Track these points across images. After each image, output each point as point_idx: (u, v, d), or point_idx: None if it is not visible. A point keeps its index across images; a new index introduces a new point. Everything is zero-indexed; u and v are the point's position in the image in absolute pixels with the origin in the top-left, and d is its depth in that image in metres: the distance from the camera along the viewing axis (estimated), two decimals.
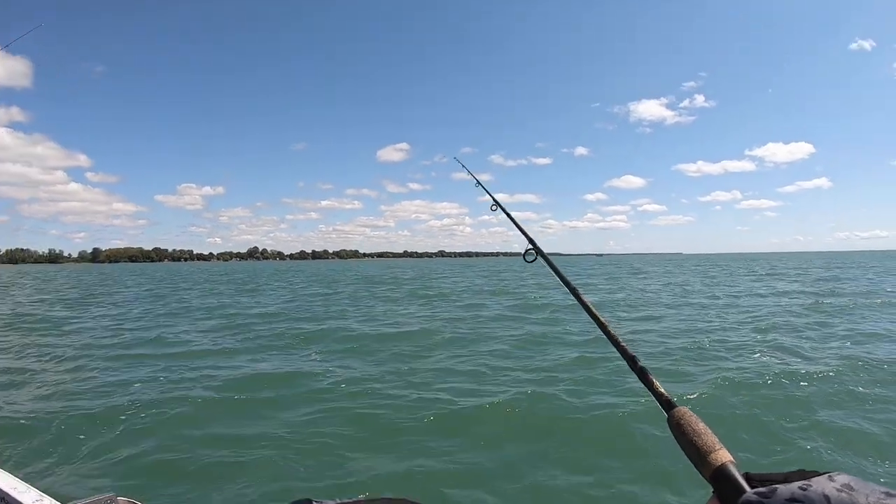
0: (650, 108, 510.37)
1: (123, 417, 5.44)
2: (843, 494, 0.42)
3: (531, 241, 1.53)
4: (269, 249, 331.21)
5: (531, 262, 1.47)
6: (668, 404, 0.70)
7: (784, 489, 0.45)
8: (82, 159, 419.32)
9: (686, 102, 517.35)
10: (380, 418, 5.28)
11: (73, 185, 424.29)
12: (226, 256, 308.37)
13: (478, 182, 2.47)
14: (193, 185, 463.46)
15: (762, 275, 33.76)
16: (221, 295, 23.48)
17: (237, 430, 5.04)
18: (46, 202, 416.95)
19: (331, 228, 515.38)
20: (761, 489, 0.47)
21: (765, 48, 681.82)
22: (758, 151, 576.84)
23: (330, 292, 24.27)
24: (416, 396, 6.01)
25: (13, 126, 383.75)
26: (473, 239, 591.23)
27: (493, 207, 2.04)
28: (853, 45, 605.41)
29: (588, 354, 7.95)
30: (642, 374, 0.77)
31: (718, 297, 17.96)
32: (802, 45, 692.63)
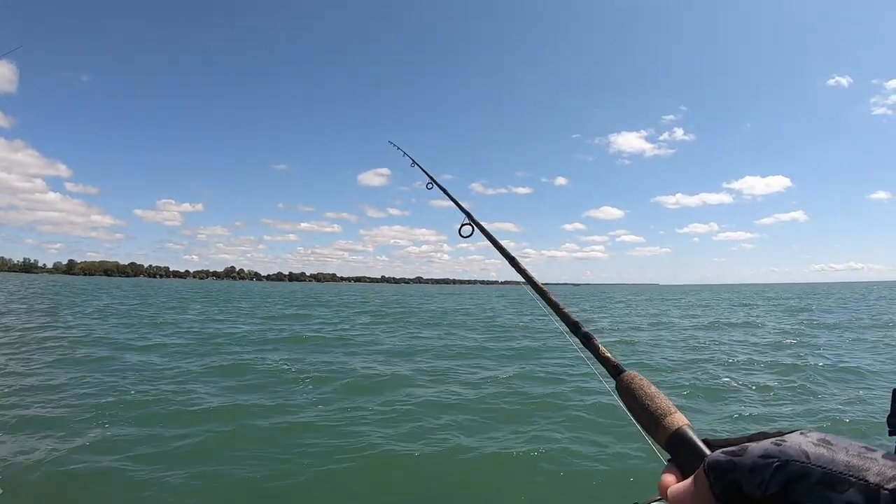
0: (630, 141, 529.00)
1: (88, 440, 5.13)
2: (822, 449, 0.40)
3: (467, 213, 1.50)
4: (245, 269, 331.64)
5: (467, 236, 1.45)
6: (615, 369, 0.66)
7: (756, 446, 0.42)
8: (62, 169, 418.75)
9: (665, 135, 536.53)
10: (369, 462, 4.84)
11: (52, 195, 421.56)
12: (202, 275, 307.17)
13: (413, 161, 2.46)
14: (172, 202, 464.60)
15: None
16: (201, 314, 22.46)
17: (209, 467, 4.66)
18: (24, 210, 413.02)
19: (309, 251, 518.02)
20: (730, 448, 0.44)
21: (744, 83, 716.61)
22: (735, 184, 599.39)
23: (307, 314, 23.53)
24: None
25: None
26: (451, 266, 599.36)
27: (429, 185, 2.06)
28: (830, 81, 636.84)
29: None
30: (586, 340, 0.74)
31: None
32: (781, 81, 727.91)
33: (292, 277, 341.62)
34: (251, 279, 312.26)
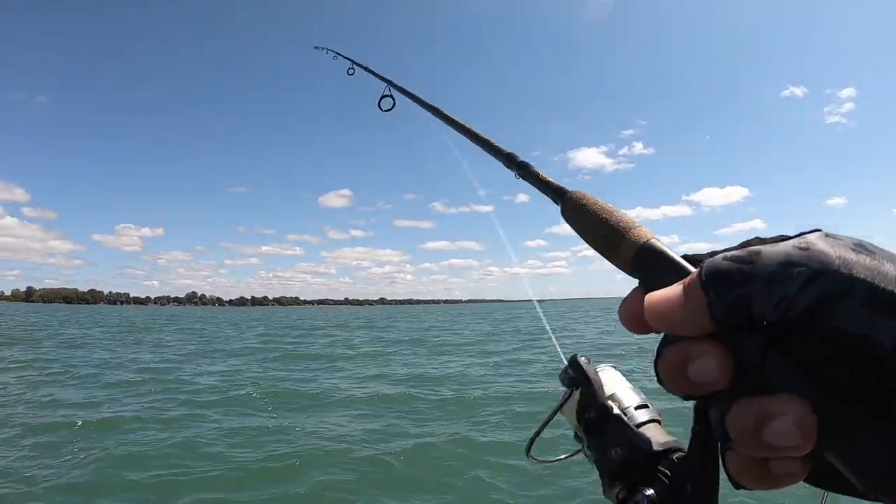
0: (590, 156, 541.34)
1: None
2: (864, 257, 0.26)
3: (388, 82, 1.32)
4: (207, 295, 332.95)
5: (388, 109, 1.30)
6: (559, 191, 0.55)
7: (771, 251, 0.28)
8: (19, 193, 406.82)
9: (625, 150, 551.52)
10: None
11: (9, 220, 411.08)
12: (163, 301, 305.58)
13: (336, 53, 2.20)
14: (132, 226, 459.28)
15: None
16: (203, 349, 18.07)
17: None
18: None
19: (271, 274, 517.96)
20: (736, 252, 0.29)
21: (701, 96, 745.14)
22: (694, 196, 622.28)
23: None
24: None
25: None
26: (414, 286, 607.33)
27: (351, 70, 1.91)
28: (785, 92, 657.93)
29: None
30: (523, 168, 0.65)
31: None
32: (737, 93, 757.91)
33: (255, 302, 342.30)
34: (213, 304, 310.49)
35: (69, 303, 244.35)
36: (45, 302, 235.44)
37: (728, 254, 0.30)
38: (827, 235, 0.28)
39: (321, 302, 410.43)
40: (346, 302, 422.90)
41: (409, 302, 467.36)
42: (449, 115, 0.97)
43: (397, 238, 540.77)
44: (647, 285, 0.37)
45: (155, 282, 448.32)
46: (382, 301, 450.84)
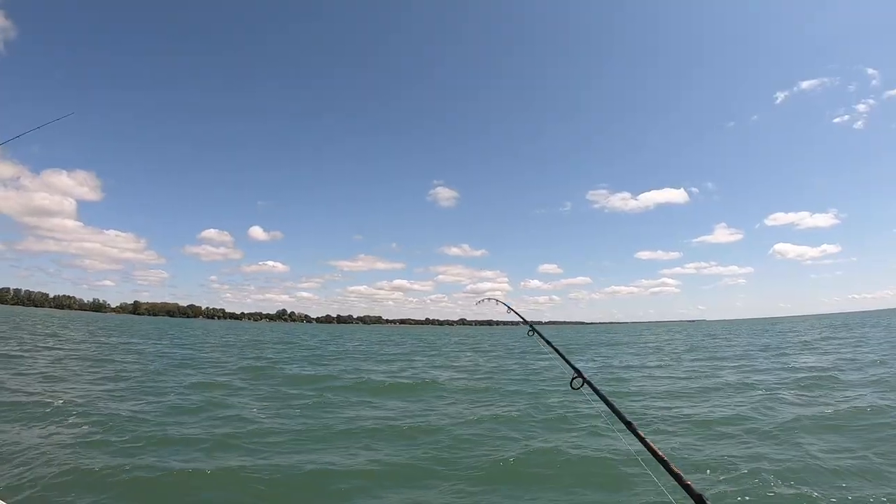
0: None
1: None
2: None
3: (576, 370, 1.86)
4: (296, 312, 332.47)
5: (577, 387, 1.74)
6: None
7: None
8: (118, 210, 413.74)
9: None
10: None
11: (111, 233, 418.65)
12: (256, 317, 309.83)
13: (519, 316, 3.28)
14: (225, 236, 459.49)
15: None
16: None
17: None
18: (92, 254, 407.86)
19: (356, 292, 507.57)
20: None
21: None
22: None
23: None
24: None
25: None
26: (502, 307, 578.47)
27: (530, 332, 2.64)
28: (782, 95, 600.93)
29: None
30: (699, 501, 0.79)
31: None
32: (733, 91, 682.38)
33: (340, 319, 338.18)
34: (302, 321, 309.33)
35: (172, 316, 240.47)
36: (150, 315, 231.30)
37: None
38: None
39: (403, 321, 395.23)
40: (427, 322, 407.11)
41: (489, 323, 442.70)
42: (638, 431, 1.15)
43: (499, 260, 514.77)
44: None
45: (248, 298, 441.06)
46: (462, 321, 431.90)
